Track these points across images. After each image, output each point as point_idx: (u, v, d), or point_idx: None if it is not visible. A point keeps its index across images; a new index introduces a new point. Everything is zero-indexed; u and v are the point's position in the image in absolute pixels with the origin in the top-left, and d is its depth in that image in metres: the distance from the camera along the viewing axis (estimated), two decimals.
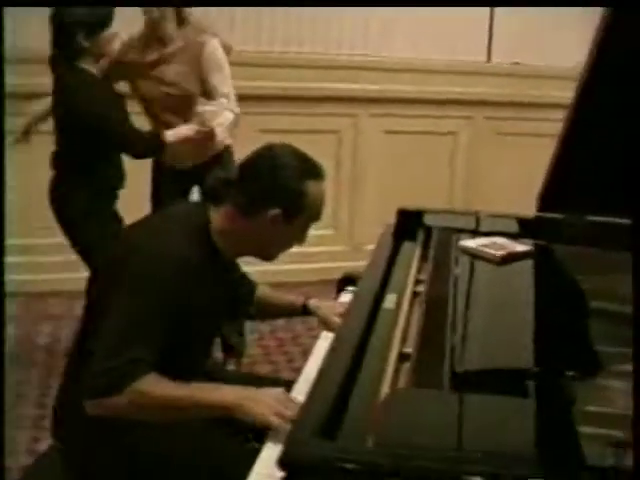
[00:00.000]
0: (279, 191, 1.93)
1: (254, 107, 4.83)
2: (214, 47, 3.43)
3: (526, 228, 2.37)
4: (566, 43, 5.15)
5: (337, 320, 2.24)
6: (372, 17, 5.11)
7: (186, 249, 1.90)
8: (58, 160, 3.40)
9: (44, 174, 3.43)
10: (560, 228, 2.30)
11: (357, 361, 1.60)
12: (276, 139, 2.30)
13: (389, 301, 1.95)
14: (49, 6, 3.30)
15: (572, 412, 1.38)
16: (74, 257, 3.50)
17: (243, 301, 2.36)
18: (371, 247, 2.62)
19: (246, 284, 2.37)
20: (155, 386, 1.78)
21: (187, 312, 1.89)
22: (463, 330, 1.60)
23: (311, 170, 1.99)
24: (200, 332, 2.06)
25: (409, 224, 2.53)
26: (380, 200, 5.12)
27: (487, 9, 5.31)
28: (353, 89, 5.07)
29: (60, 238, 3.52)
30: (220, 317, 2.27)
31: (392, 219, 2.63)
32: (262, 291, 2.41)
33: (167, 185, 3.66)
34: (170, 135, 3.26)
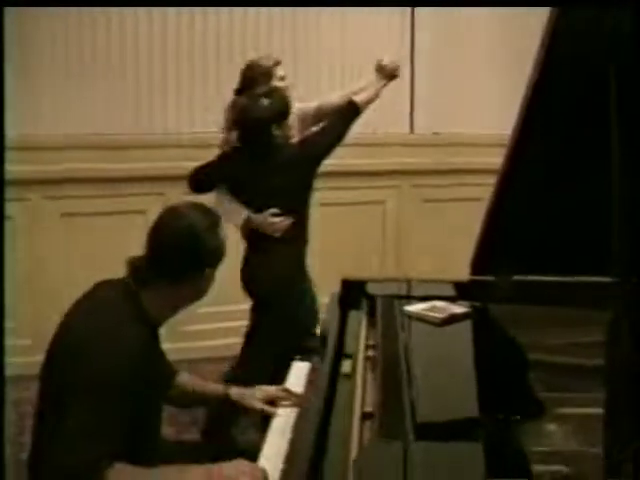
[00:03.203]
0: (209, 255, 2.11)
1: None
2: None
3: (461, 291, 2.53)
4: (483, 110, 5.38)
5: (260, 406, 2.32)
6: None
7: (129, 339, 1.98)
8: None
9: None
10: (492, 289, 2.45)
11: (326, 421, 1.78)
12: None
13: (345, 366, 2.12)
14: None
15: (517, 451, 1.59)
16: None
17: (163, 384, 2.32)
18: None
19: (167, 366, 2.36)
20: (124, 476, 1.86)
21: (138, 395, 1.96)
22: (417, 386, 1.79)
23: (217, 221, 2.16)
24: (152, 406, 2.15)
25: (352, 293, 2.67)
26: (319, 269, 5.27)
27: (407, 80, 5.44)
28: None
29: None
30: (164, 389, 2.30)
31: (330, 287, 2.78)
32: (183, 377, 2.41)
33: None
34: (360, 98, 3.72)
